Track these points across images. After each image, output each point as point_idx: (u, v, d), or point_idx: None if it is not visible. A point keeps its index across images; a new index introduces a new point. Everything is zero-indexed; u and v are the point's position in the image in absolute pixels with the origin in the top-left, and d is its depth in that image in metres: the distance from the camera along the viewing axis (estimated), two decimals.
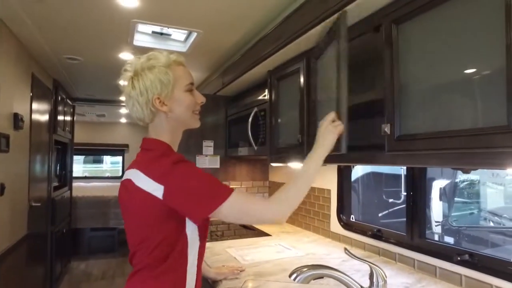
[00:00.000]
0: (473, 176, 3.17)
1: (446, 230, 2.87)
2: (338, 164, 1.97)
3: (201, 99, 1.06)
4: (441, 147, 0.92)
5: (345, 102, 1.12)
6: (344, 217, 2.00)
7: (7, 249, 2.13)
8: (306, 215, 2.33)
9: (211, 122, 2.76)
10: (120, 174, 6.91)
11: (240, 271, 1.46)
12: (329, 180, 2.09)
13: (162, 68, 0.98)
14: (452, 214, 3.01)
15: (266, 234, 2.24)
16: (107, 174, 7.48)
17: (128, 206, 0.99)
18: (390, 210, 3.25)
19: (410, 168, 1.57)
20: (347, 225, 1.96)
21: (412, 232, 1.53)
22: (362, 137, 1.28)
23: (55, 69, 3.07)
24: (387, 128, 1.07)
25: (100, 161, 8.00)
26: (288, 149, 1.74)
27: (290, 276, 1.07)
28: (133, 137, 6.68)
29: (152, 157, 0.98)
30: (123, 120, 6.62)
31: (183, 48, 2.37)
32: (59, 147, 4.13)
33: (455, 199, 3.12)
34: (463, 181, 3.26)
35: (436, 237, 2.74)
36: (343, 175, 2.02)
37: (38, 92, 2.87)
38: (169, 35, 2.35)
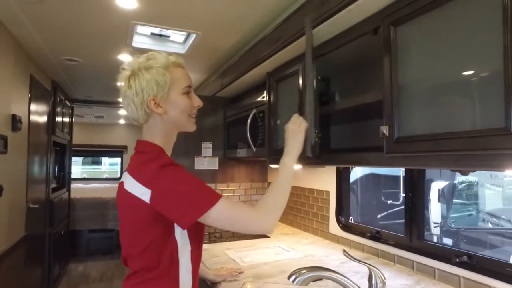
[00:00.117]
0: (472, 177, 3.17)
1: (445, 232, 2.87)
2: (337, 166, 1.97)
3: (198, 103, 1.04)
4: (440, 149, 0.92)
5: (311, 105, 1.15)
6: (343, 219, 2.00)
7: (5, 251, 2.12)
8: (305, 217, 2.33)
9: (209, 123, 2.75)
10: (118, 175, 6.92)
11: (239, 273, 1.46)
12: (327, 181, 2.09)
13: (160, 69, 0.97)
14: (451, 216, 3.02)
15: (265, 236, 2.23)
16: (105, 176, 7.48)
17: (121, 209, 1.00)
18: (388, 211, 3.25)
19: (408, 170, 1.58)
20: (345, 227, 1.96)
21: (410, 233, 1.53)
22: (360, 139, 1.28)
23: (54, 70, 3.07)
24: (385, 130, 1.07)
25: (98, 163, 7.98)
26: None
27: (289, 278, 1.07)
28: (131, 139, 6.66)
29: (143, 160, 0.97)
30: (122, 121, 6.62)
31: (182, 49, 2.37)
32: (58, 149, 4.12)
33: (454, 200, 3.13)
34: (462, 183, 3.27)
35: (435, 239, 2.74)
36: (342, 177, 2.02)
37: (37, 93, 2.86)
38: (168, 36, 2.35)
